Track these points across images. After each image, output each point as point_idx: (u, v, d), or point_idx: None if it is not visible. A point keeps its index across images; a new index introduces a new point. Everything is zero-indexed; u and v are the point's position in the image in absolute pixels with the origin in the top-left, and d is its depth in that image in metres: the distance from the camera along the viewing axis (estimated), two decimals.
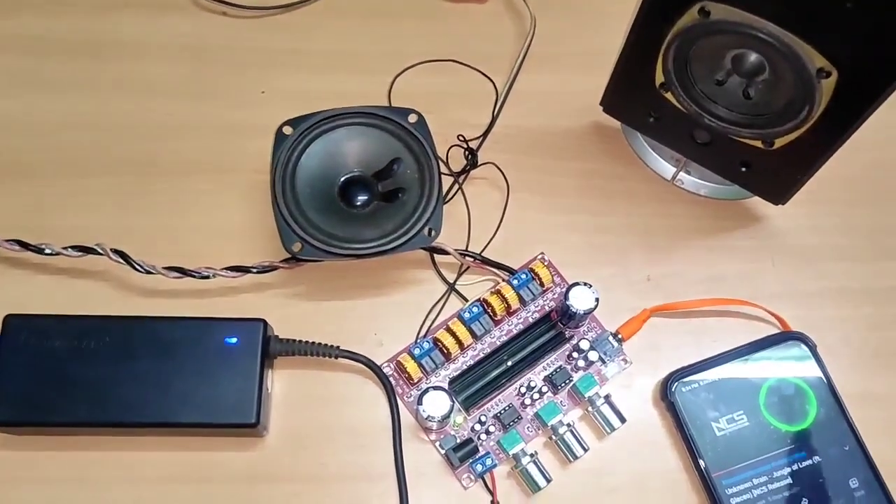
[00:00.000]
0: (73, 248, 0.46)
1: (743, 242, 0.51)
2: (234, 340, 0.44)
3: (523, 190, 0.52)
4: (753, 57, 0.42)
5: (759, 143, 0.45)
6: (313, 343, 0.46)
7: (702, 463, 0.44)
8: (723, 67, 0.44)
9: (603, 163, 0.53)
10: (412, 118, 0.48)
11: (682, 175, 0.52)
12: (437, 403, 0.43)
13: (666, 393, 0.46)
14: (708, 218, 0.52)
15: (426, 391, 0.43)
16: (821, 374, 0.46)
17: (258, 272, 0.47)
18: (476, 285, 0.50)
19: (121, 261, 0.46)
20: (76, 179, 0.51)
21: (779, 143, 0.44)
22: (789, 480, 0.44)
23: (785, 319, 0.48)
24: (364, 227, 0.47)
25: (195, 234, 0.50)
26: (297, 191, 0.46)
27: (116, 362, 0.43)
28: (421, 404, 0.43)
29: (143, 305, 0.48)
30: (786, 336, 0.47)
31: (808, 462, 0.44)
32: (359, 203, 0.48)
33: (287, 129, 0.47)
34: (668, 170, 0.53)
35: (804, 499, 0.43)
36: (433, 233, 0.46)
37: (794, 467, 0.44)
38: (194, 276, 0.46)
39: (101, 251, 0.46)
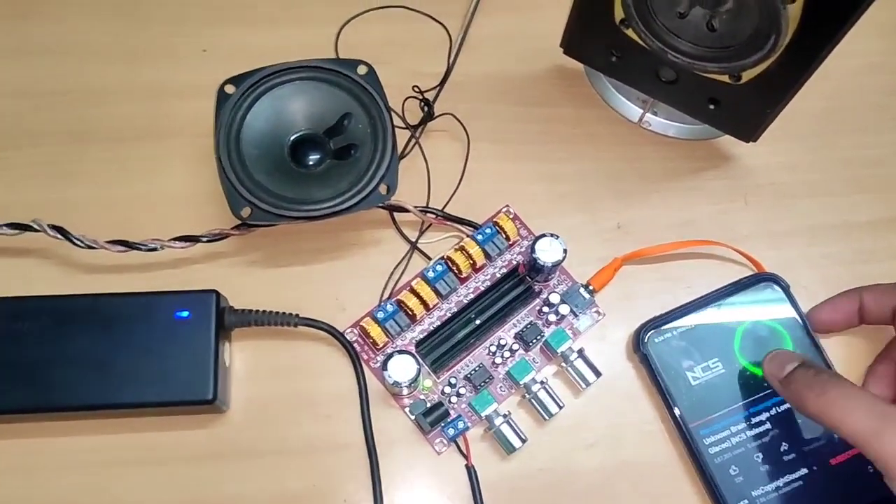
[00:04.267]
0: (7, 225, 0.43)
1: (714, 183, 0.50)
2: (185, 314, 0.42)
3: (484, 140, 0.50)
4: None
5: (725, 78, 0.43)
6: (271, 312, 0.44)
7: (677, 413, 0.43)
8: None
9: (566, 108, 0.51)
10: (361, 70, 0.45)
11: (648, 116, 0.50)
12: (403, 368, 0.41)
13: (638, 344, 0.44)
14: (677, 160, 0.50)
15: (391, 356, 0.41)
16: (795, 315, 0.44)
17: (209, 241, 0.45)
18: (439, 243, 0.48)
19: (59, 237, 0.43)
20: (5, 152, 0.48)
21: (746, 76, 0.42)
22: (768, 426, 0.43)
23: (759, 260, 0.47)
24: (317, 187, 0.44)
25: (139, 204, 0.48)
26: (244, 153, 0.44)
27: (58, 344, 0.40)
28: (386, 370, 0.41)
29: (87, 283, 0.45)
30: (758, 278, 0.45)
31: (787, 406, 0.43)
32: (311, 162, 0.46)
33: (229, 88, 0.45)
34: (634, 112, 0.50)
35: (783, 443, 0.42)
36: (389, 190, 0.44)
37: (773, 412, 0.43)
38: (140, 249, 0.44)
39: (37, 227, 0.43)
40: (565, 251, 0.44)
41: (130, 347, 0.41)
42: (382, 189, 0.44)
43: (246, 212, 0.43)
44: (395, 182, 0.44)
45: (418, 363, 0.41)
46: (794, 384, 0.39)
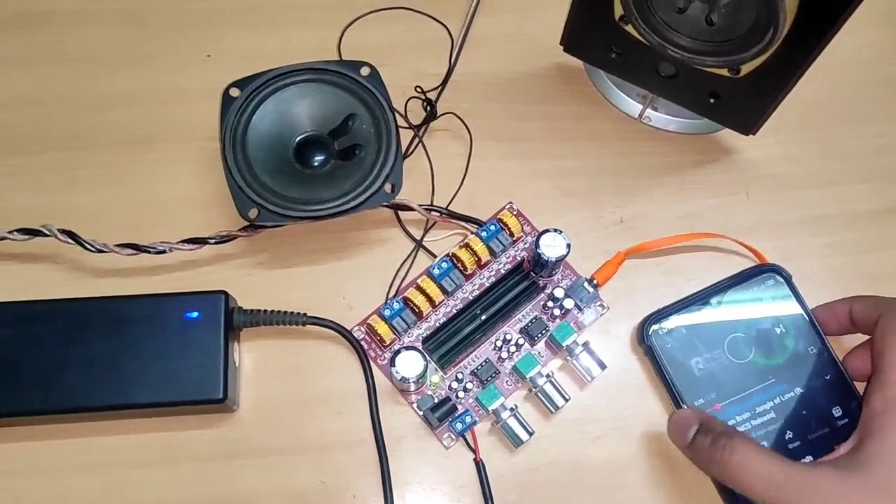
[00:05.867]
0: (18, 231, 0.44)
1: (715, 176, 0.50)
2: (194, 315, 0.42)
3: (487, 139, 0.50)
4: None
5: (725, 72, 0.44)
6: (279, 312, 0.44)
7: (683, 405, 0.43)
8: None
9: (567, 105, 0.51)
10: (364, 71, 0.46)
11: (649, 112, 0.50)
12: (410, 363, 0.42)
13: (643, 337, 0.45)
14: (678, 154, 0.50)
15: (398, 352, 0.42)
16: (797, 305, 0.45)
17: (216, 243, 0.46)
18: (444, 240, 0.48)
19: (70, 241, 0.44)
20: (16, 158, 0.49)
21: (745, 69, 0.43)
22: (772, 415, 0.43)
23: (761, 252, 0.47)
24: (322, 187, 0.45)
25: (148, 208, 0.48)
26: (250, 155, 0.44)
27: (71, 347, 0.41)
28: (394, 366, 0.42)
29: (98, 286, 0.46)
30: (760, 269, 0.46)
31: (790, 394, 0.43)
32: (316, 163, 0.46)
33: (234, 91, 0.45)
34: (634, 108, 0.51)
35: (788, 431, 0.43)
36: (394, 188, 0.45)
37: (777, 401, 0.43)
38: (149, 252, 0.45)
39: (48, 232, 0.44)
40: (569, 246, 0.44)
41: (141, 348, 0.41)
42: (387, 188, 0.44)
43: (253, 213, 0.44)
44: (399, 181, 0.45)
45: (425, 359, 0.42)
46: (696, 454, 0.40)
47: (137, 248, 0.44)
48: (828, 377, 0.43)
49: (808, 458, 0.42)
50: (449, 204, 0.48)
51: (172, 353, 0.41)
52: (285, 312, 0.44)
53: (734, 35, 0.42)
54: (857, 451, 0.37)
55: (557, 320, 0.46)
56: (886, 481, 0.35)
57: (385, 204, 0.45)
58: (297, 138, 0.46)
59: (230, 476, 0.43)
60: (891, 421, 0.37)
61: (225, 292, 0.43)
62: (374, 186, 0.44)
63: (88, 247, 0.44)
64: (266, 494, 0.43)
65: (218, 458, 0.44)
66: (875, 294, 0.43)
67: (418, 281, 0.45)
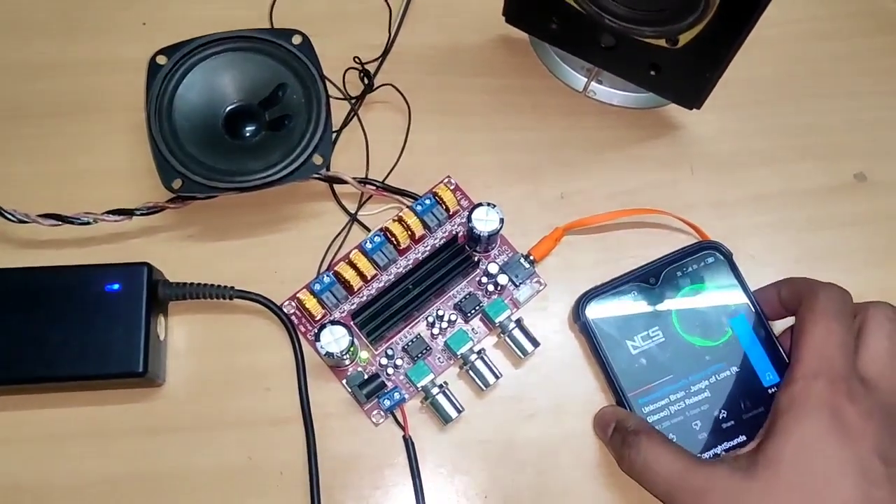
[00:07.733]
0: None
1: (660, 152, 0.49)
2: (116, 287, 0.41)
3: (427, 111, 0.49)
4: None
5: (663, 43, 0.43)
6: (206, 285, 0.43)
7: (617, 384, 0.42)
8: None
9: (511, 78, 0.50)
10: (296, 40, 0.45)
11: (593, 85, 0.49)
12: (335, 338, 0.41)
13: (578, 314, 0.44)
14: (623, 129, 0.49)
15: (323, 326, 0.41)
16: (736, 283, 0.44)
17: (143, 214, 0.45)
18: (380, 214, 0.47)
19: None
20: None
21: (683, 39, 0.42)
22: (707, 394, 0.42)
23: (703, 229, 0.46)
24: (251, 158, 0.44)
25: (76, 180, 0.47)
26: (176, 124, 0.43)
27: None
28: (318, 341, 0.41)
29: (22, 258, 0.45)
30: (700, 247, 0.45)
31: (726, 373, 0.42)
32: (246, 134, 0.45)
33: (161, 59, 0.44)
34: (578, 81, 0.50)
35: (722, 410, 0.42)
36: (323, 160, 0.43)
37: (712, 380, 0.42)
38: (74, 223, 0.44)
39: None
40: (502, 220, 0.43)
41: (61, 321, 0.41)
42: (316, 159, 0.44)
43: (177, 184, 0.43)
44: (328, 153, 0.44)
45: (351, 333, 0.41)
46: (613, 451, 0.41)
47: (61, 219, 0.43)
48: (765, 354, 0.43)
49: (742, 438, 0.41)
50: (386, 178, 0.47)
51: (93, 326, 0.41)
52: (212, 286, 0.43)
53: (669, 4, 0.41)
54: (759, 449, 0.36)
55: (493, 296, 0.45)
56: (779, 485, 0.35)
57: (317, 176, 0.44)
58: (227, 108, 0.45)
59: (156, 451, 0.42)
60: (792, 421, 0.36)
61: (147, 264, 0.42)
62: (302, 157, 0.43)
63: (9, 217, 0.43)
64: (192, 470, 0.42)
65: (143, 433, 0.43)
66: (809, 276, 0.42)
67: (350, 255, 0.44)
